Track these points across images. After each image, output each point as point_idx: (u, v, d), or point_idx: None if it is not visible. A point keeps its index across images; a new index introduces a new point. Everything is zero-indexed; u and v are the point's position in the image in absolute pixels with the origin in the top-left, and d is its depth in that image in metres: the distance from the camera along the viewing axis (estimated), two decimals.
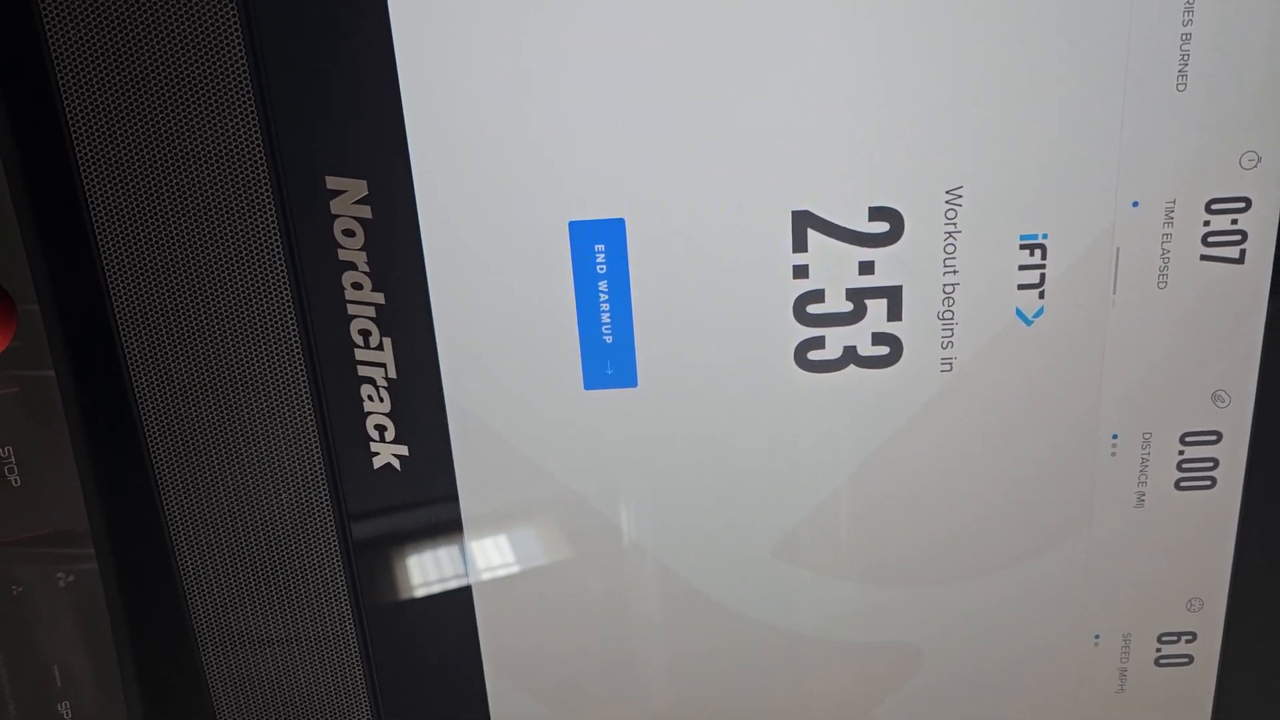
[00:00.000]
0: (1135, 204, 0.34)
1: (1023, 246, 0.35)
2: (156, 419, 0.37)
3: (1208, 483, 0.38)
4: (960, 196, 0.34)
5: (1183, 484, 0.38)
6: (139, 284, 0.35)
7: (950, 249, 0.35)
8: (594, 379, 0.36)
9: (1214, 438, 0.37)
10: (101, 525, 0.41)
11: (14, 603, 0.41)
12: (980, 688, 0.41)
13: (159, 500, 0.38)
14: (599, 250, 0.35)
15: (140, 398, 0.36)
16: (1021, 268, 0.35)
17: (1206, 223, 0.35)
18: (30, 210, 0.37)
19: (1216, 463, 0.38)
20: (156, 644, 0.42)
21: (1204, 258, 0.35)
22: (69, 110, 0.33)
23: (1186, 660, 0.41)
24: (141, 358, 0.36)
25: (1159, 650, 0.41)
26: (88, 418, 0.40)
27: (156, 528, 0.39)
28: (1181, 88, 0.33)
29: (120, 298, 0.35)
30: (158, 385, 0.36)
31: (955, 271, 0.35)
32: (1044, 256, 0.35)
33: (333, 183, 0.34)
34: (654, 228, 0.34)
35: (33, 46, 0.33)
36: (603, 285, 0.35)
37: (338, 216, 0.34)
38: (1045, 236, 0.35)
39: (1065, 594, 0.39)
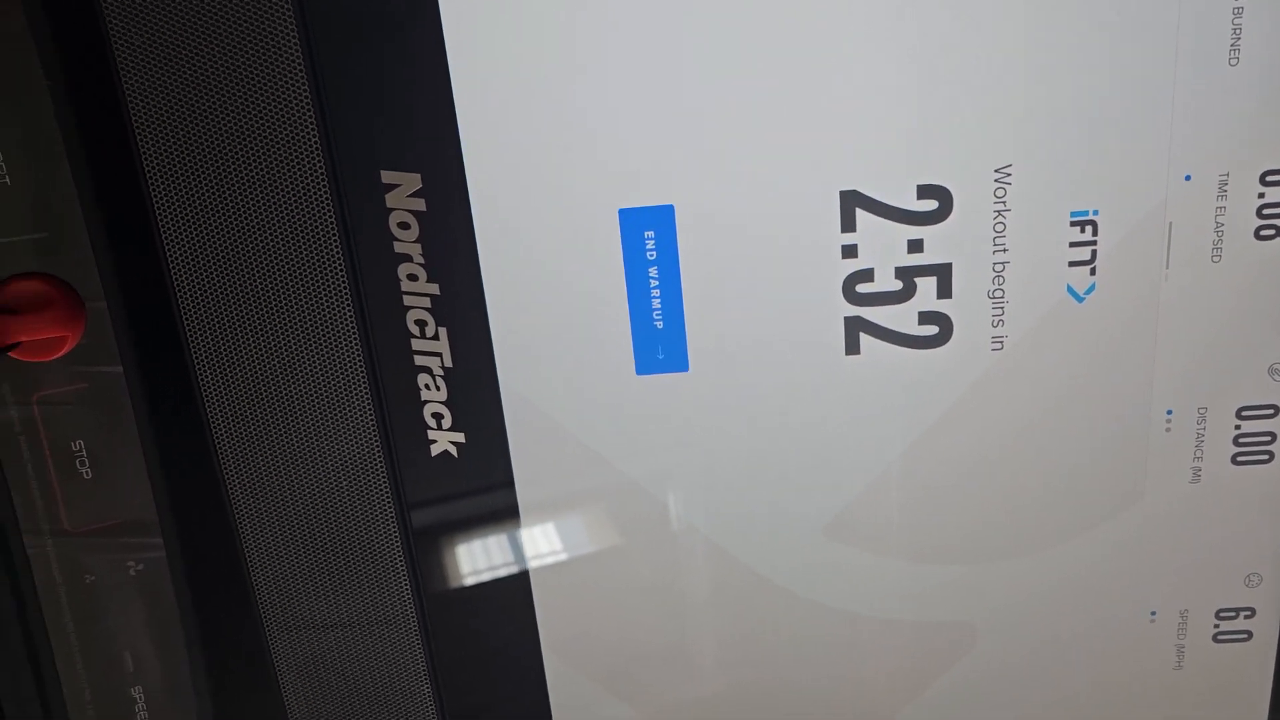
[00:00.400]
0: (1188, 178, 0.34)
1: (1073, 223, 0.35)
2: (221, 411, 0.38)
3: (1265, 457, 0.38)
4: (1009, 174, 0.34)
5: (1240, 459, 0.38)
6: (202, 280, 0.36)
7: (1000, 227, 0.35)
8: (646, 364, 0.36)
9: (1271, 411, 0.37)
10: (169, 515, 0.42)
11: (87, 591, 0.43)
12: (1035, 665, 0.41)
13: (224, 489, 0.39)
14: (649, 237, 0.35)
15: (205, 391, 0.37)
16: (1072, 244, 0.35)
17: (1261, 195, 0.34)
18: (97, 212, 0.38)
19: (1274, 436, 0.37)
20: (223, 629, 0.44)
21: (1259, 230, 0.35)
22: (133, 111, 0.34)
23: (1245, 636, 0.40)
24: (205, 352, 0.37)
25: (1217, 626, 0.40)
26: (154, 411, 0.41)
27: (222, 516, 0.40)
28: (1234, 61, 0.33)
29: (185, 294, 0.36)
30: (221, 378, 0.37)
31: (1005, 249, 0.35)
32: (1095, 233, 0.35)
33: (388, 177, 0.34)
34: (703, 213, 0.35)
35: (97, 49, 0.34)
36: (653, 271, 0.35)
37: (393, 210, 0.35)
38: (1096, 213, 0.35)
39: (1121, 571, 0.39)
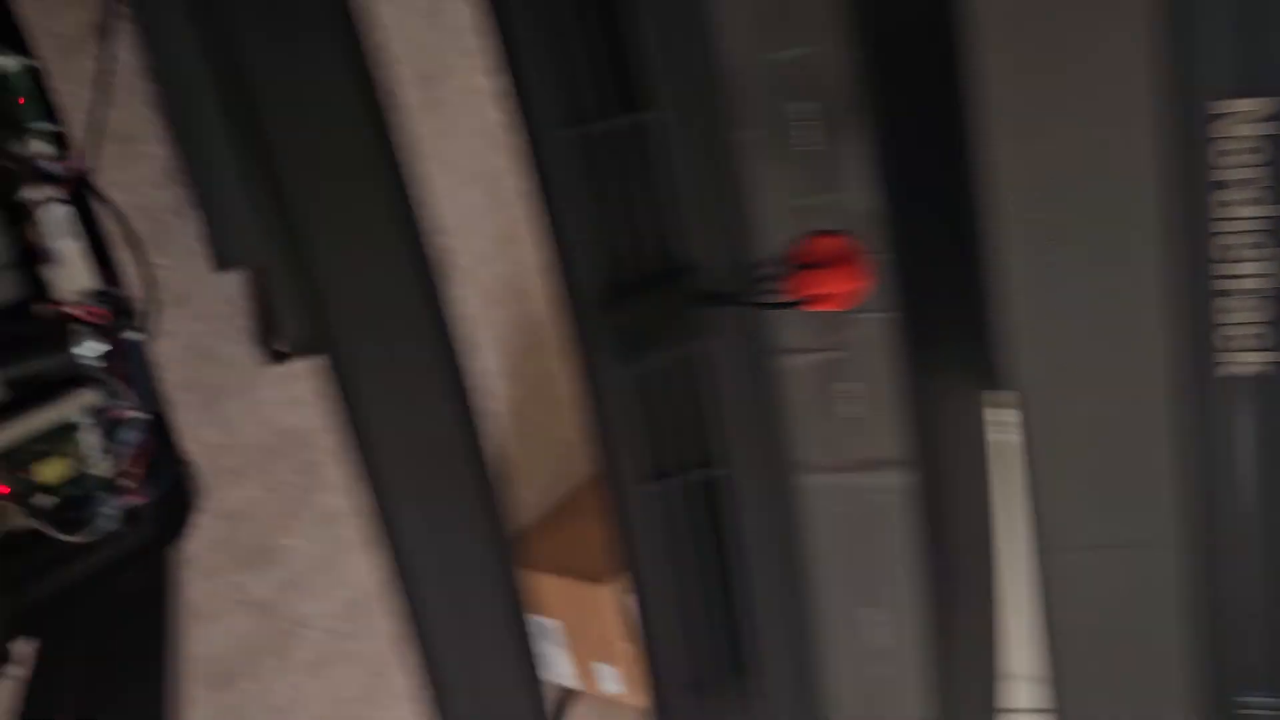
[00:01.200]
0: None
1: None
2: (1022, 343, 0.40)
3: None
4: None
5: None
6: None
7: None
8: None
9: None
10: (923, 450, 0.46)
11: (839, 521, 0.47)
12: None
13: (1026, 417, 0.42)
14: None
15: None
16: None
17: None
18: (886, 174, 0.42)
19: None
20: (959, 557, 0.47)
21: None
22: None
23: None
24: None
25: None
26: (926, 351, 0.44)
27: (971, 449, 0.43)
28: None
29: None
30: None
31: None
32: None
33: (1223, 106, 0.36)
34: None
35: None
36: None
37: (1221, 137, 0.36)
38: None
39: None
